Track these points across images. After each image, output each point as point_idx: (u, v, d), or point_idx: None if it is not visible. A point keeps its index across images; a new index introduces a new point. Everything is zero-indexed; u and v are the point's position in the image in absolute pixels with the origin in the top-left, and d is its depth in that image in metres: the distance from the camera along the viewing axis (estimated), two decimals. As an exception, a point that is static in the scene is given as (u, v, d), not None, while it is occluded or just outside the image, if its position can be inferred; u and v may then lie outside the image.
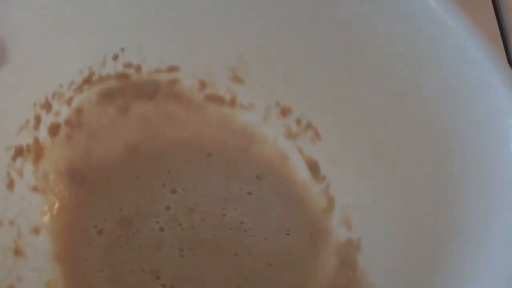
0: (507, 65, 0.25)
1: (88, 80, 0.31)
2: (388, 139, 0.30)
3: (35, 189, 0.30)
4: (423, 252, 0.27)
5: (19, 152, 0.30)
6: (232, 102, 0.33)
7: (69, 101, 0.31)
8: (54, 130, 0.31)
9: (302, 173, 0.33)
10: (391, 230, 0.30)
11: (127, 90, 0.32)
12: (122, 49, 0.32)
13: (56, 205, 0.31)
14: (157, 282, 0.30)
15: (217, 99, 0.33)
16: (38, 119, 0.30)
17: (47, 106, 0.30)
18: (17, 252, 0.28)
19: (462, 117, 0.26)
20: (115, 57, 0.32)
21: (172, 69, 0.33)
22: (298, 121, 0.33)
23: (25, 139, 0.30)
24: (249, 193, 0.33)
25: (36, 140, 0.30)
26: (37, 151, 0.30)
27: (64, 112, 0.31)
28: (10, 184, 0.29)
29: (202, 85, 0.33)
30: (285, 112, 0.33)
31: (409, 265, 0.28)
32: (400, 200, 0.29)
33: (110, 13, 0.30)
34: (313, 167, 0.33)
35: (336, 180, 0.32)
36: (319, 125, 0.33)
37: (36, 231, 0.30)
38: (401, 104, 0.29)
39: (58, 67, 0.30)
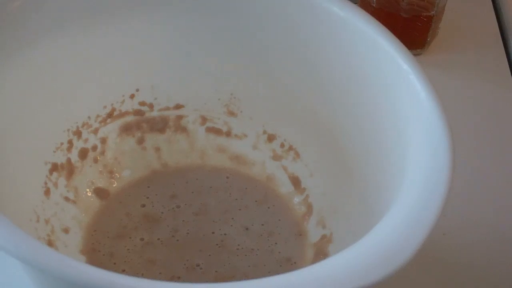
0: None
1: (110, 115, 0.40)
2: (349, 152, 0.37)
3: (67, 199, 0.38)
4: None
5: (55, 167, 0.37)
6: (228, 133, 0.41)
7: (95, 131, 0.39)
8: (83, 154, 0.39)
9: (286, 187, 0.40)
10: (356, 224, 0.35)
11: (142, 124, 0.41)
12: (138, 90, 0.40)
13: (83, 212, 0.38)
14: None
15: (216, 131, 0.41)
16: (70, 143, 0.38)
17: (78, 134, 0.39)
18: (50, 243, 0.35)
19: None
20: (132, 97, 0.40)
21: (179, 106, 0.41)
22: (282, 145, 0.40)
23: (60, 159, 0.38)
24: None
25: (69, 161, 0.38)
26: (69, 169, 0.38)
27: (91, 140, 0.39)
28: (47, 192, 0.37)
29: (203, 119, 0.41)
30: (271, 138, 0.40)
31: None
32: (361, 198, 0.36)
33: (129, 59, 0.39)
34: (295, 182, 0.40)
35: (313, 190, 0.39)
36: (298, 147, 0.40)
37: (66, 230, 0.37)
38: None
39: (86, 102, 0.38)
